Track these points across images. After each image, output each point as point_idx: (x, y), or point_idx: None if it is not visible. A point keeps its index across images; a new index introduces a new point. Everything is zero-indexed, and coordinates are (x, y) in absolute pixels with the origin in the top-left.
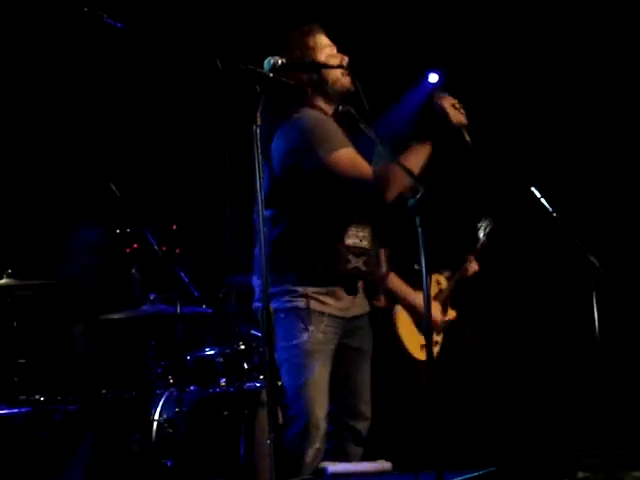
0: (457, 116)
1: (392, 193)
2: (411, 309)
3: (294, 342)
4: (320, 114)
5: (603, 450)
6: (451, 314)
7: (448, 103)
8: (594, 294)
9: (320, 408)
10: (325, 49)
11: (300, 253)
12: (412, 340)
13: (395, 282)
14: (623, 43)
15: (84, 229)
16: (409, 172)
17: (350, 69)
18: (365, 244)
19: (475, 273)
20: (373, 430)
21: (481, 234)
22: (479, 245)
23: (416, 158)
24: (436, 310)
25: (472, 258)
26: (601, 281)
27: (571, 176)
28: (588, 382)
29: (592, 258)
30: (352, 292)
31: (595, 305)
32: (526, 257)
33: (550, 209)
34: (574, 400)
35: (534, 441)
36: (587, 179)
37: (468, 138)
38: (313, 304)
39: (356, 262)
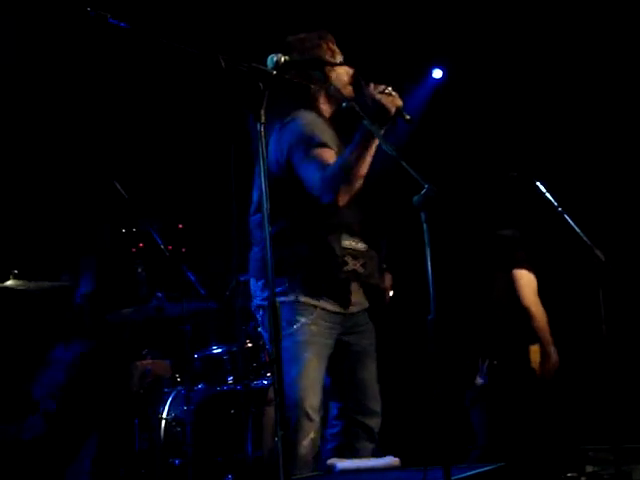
0: (390, 101)
1: (343, 195)
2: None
3: (284, 334)
4: (314, 115)
5: (611, 444)
6: None
7: (377, 91)
8: (601, 288)
9: (312, 400)
10: (328, 48)
11: (294, 255)
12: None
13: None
14: (624, 34)
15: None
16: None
17: (354, 74)
18: (361, 247)
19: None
20: (381, 426)
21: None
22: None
23: (367, 154)
24: None
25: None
26: (607, 275)
27: (577, 170)
28: (596, 376)
29: (598, 252)
30: (344, 303)
31: (602, 299)
32: (532, 252)
33: (555, 203)
34: (582, 394)
35: (542, 435)
36: (593, 173)
37: (408, 117)
38: (304, 298)
39: (353, 264)
